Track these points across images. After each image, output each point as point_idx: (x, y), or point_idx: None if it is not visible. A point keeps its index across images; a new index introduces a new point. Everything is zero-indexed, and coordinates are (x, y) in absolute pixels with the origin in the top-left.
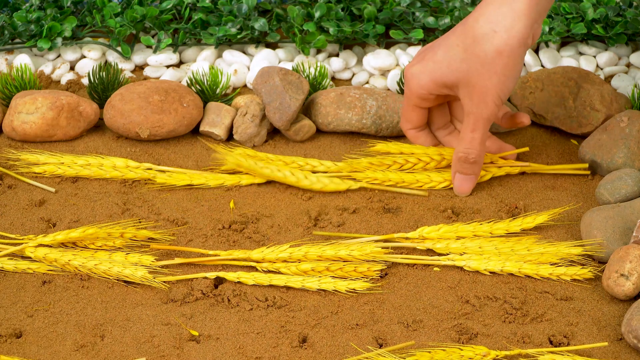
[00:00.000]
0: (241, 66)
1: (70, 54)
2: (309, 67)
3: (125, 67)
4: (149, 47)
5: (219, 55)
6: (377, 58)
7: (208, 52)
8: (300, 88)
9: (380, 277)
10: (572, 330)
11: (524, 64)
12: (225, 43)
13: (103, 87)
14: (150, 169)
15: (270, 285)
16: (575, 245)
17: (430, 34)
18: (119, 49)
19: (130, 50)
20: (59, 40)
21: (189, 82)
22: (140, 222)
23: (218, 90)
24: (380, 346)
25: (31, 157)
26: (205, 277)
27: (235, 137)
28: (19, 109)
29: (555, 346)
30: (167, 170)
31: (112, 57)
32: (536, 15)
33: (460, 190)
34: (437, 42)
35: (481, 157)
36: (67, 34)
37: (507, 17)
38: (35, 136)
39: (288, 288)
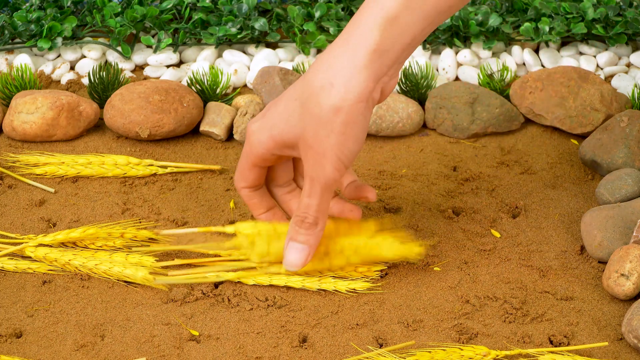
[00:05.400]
0: (241, 66)
1: (70, 54)
2: None
3: (125, 67)
4: (149, 47)
5: (219, 55)
6: None
7: (208, 52)
8: None
9: (381, 277)
10: (572, 330)
11: (518, 65)
12: (225, 43)
13: (103, 87)
14: (152, 165)
15: (271, 285)
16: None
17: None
18: (119, 48)
19: (130, 50)
20: (59, 40)
21: (189, 82)
22: (140, 222)
23: (218, 90)
24: (381, 346)
25: (31, 158)
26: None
27: (235, 136)
28: (19, 109)
29: (556, 346)
30: (169, 165)
31: (112, 57)
32: (382, 67)
33: (290, 260)
34: (281, 95)
35: (319, 225)
36: (67, 33)
37: (345, 69)
38: (35, 136)
39: (288, 288)
